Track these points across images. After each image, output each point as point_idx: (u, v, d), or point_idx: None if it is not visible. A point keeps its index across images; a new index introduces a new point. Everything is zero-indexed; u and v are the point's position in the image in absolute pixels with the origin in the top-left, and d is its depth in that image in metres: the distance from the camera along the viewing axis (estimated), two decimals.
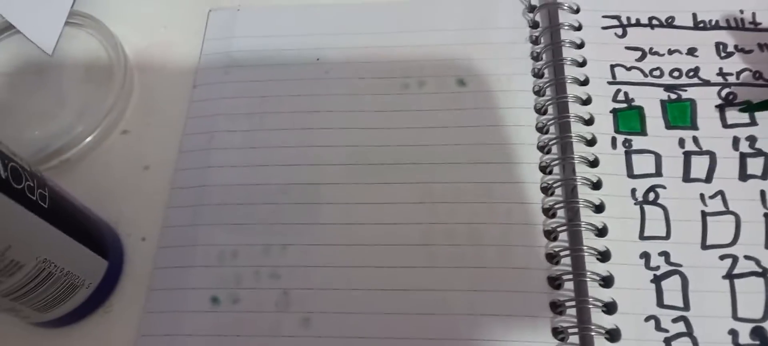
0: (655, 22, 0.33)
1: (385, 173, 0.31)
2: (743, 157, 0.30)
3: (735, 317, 0.26)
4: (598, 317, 0.27)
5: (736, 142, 0.30)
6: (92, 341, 0.29)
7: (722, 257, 0.28)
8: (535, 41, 0.34)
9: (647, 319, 0.27)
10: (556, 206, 0.29)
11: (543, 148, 0.31)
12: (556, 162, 0.30)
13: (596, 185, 0.29)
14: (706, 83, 0.31)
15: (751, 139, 0.30)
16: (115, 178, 0.33)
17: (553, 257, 0.28)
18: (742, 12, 0.33)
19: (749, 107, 0.30)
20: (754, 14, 0.33)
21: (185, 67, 0.36)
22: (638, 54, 0.32)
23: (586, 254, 0.28)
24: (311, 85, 0.34)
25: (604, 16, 0.33)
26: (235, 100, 0.34)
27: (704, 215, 0.28)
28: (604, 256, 0.28)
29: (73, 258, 0.27)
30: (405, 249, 0.29)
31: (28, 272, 0.24)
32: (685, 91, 0.31)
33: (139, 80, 0.36)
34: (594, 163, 0.30)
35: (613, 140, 0.30)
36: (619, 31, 0.33)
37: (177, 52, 0.36)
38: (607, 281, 0.27)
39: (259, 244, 0.30)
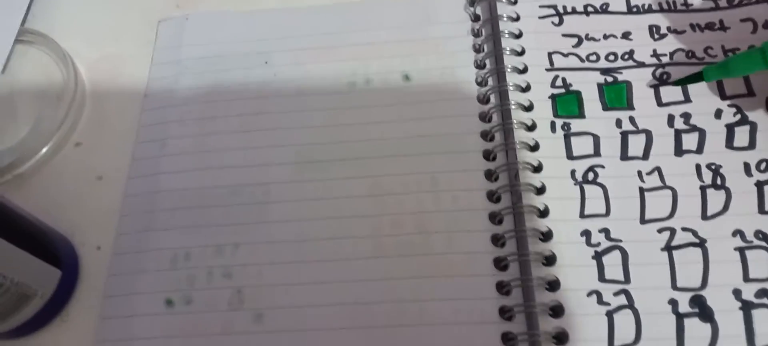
0: (590, 9, 0.34)
1: (333, 169, 0.32)
2: (678, 133, 0.30)
3: (674, 287, 0.27)
4: (542, 295, 0.27)
5: (671, 119, 0.31)
6: None
7: (660, 230, 0.28)
8: (476, 34, 0.34)
9: (589, 294, 0.27)
10: (500, 191, 0.30)
11: (486, 136, 0.31)
12: (500, 148, 0.31)
13: (537, 169, 0.30)
14: (641, 65, 0.32)
15: (686, 116, 0.31)
16: (69, 189, 0.34)
17: (498, 240, 0.29)
18: None
19: (681, 81, 0.31)
20: None
21: (137, 77, 0.36)
22: (575, 40, 0.33)
23: (529, 235, 0.28)
24: (260, 88, 0.34)
25: (541, 6, 0.34)
26: (186, 107, 0.34)
27: (642, 191, 0.29)
28: (546, 236, 0.29)
29: (24, 268, 0.27)
30: (354, 241, 0.30)
31: None
32: (621, 73, 0.32)
33: (91, 92, 0.36)
34: (535, 148, 0.31)
35: (553, 125, 0.31)
36: (556, 19, 0.34)
37: (128, 64, 0.37)
38: (549, 260, 0.28)
39: (211, 245, 0.31)
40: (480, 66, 0.33)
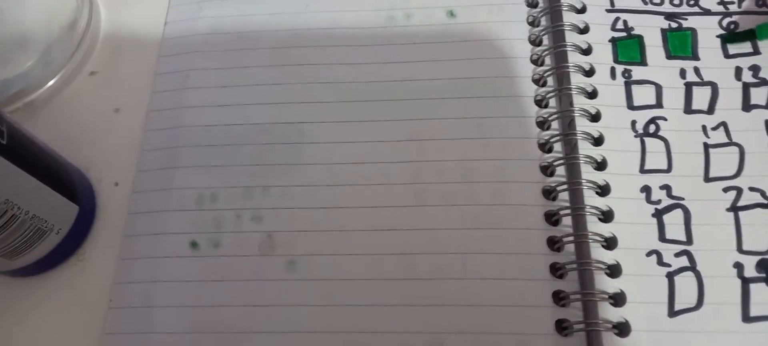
0: None
1: (370, 110, 0.29)
2: (746, 87, 0.28)
3: (740, 249, 0.25)
4: (597, 253, 0.26)
5: (738, 72, 0.29)
6: (66, 290, 0.28)
7: (726, 190, 0.26)
8: None
9: (649, 254, 0.26)
10: (553, 140, 0.28)
11: (538, 81, 0.29)
12: (553, 94, 0.29)
13: (595, 117, 0.28)
14: (707, 13, 0.30)
15: (754, 69, 0.29)
16: (84, 121, 0.31)
17: (549, 193, 0.27)
18: None
19: (730, 37, 0.29)
20: None
21: (157, 2, 0.33)
22: None
23: (584, 188, 0.26)
24: (291, 20, 0.32)
25: None
26: (211, 37, 0.32)
27: (707, 147, 0.27)
28: (603, 190, 0.27)
29: (40, 201, 0.25)
30: (393, 188, 0.28)
31: None
32: (686, 20, 0.30)
33: (106, 18, 0.34)
34: (592, 95, 0.28)
35: (613, 70, 0.29)
36: None
37: None
38: (606, 216, 0.26)
39: (239, 186, 0.28)
40: (532, 4, 0.31)
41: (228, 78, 0.31)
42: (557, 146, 0.28)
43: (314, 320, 0.26)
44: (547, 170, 0.27)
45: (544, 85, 0.29)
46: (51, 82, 0.31)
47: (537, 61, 0.30)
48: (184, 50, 0.32)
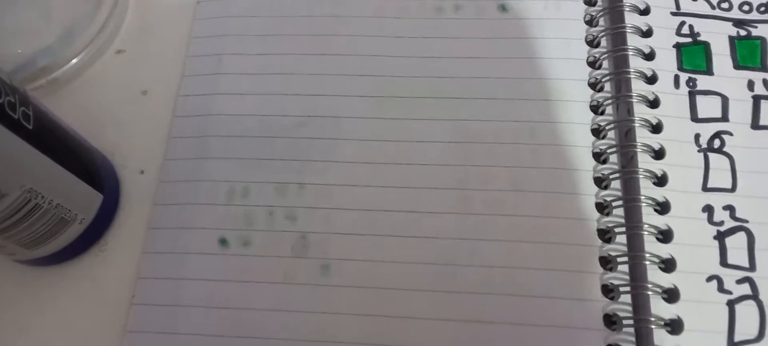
0: None
1: (414, 108, 0.28)
2: None
3: None
4: (654, 275, 0.24)
5: None
6: (87, 281, 0.26)
7: None
8: None
9: (709, 279, 0.24)
10: (609, 151, 0.26)
11: (595, 85, 0.27)
12: (610, 101, 0.27)
13: (656, 128, 0.26)
14: None
15: None
16: (109, 102, 0.30)
17: (603, 208, 0.25)
18: None
19: None
20: None
21: None
22: None
23: (642, 204, 0.25)
24: (332, 6, 0.30)
25: None
26: (247, 20, 0.30)
27: None
28: (662, 208, 0.25)
29: (64, 189, 0.23)
30: (436, 193, 0.26)
31: (12, 202, 0.21)
32: (756, 28, 0.28)
33: None
34: (654, 104, 0.27)
35: (676, 79, 0.27)
36: None
37: None
38: (665, 236, 0.25)
39: (273, 182, 0.27)
40: (590, 2, 0.29)
41: (263, 65, 0.29)
42: (613, 158, 0.26)
43: (348, 329, 0.24)
44: (602, 183, 0.26)
45: (601, 90, 0.27)
46: (75, 60, 0.30)
47: (594, 64, 0.28)
48: (217, 33, 0.30)
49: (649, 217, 0.25)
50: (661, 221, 0.25)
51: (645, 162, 0.26)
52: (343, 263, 0.25)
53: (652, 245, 0.24)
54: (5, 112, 0.20)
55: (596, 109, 0.27)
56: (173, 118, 0.29)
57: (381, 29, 0.29)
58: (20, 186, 0.21)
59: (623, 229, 0.25)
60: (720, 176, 0.25)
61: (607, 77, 0.27)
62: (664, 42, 0.28)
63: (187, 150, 0.28)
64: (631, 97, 0.26)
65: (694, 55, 0.27)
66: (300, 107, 0.28)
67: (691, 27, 0.28)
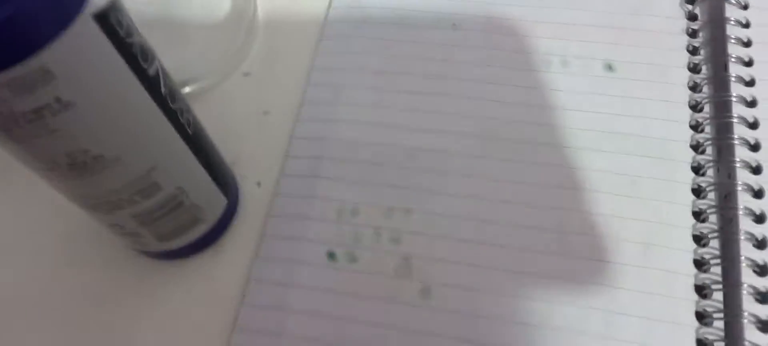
0: None
1: (520, 151, 0.29)
2: None
3: None
4: (752, 335, 0.25)
5: None
6: (201, 279, 0.28)
7: None
8: (692, 34, 0.31)
9: None
10: (709, 211, 0.27)
11: (696, 147, 0.28)
12: (711, 164, 0.28)
13: (758, 193, 0.27)
14: None
15: None
16: (234, 119, 0.32)
17: (701, 265, 0.26)
18: None
19: None
20: None
21: (313, 16, 0.35)
22: None
23: (742, 265, 0.25)
24: (445, 51, 0.32)
25: None
26: (365, 57, 0.33)
27: None
28: (762, 270, 0.26)
29: (203, 191, 0.26)
30: (535, 232, 0.27)
31: (164, 197, 0.24)
32: None
33: (265, 22, 0.35)
34: (756, 170, 0.27)
35: None
36: None
37: (305, 1, 0.35)
38: (763, 297, 0.25)
39: (381, 205, 0.29)
40: (694, 70, 0.30)
41: (378, 99, 0.31)
42: (712, 218, 0.27)
43: None
44: (701, 241, 0.27)
45: (702, 152, 0.28)
46: (207, 78, 0.33)
47: (696, 127, 0.29)
48: (338, 65, 0.32)
49: (749, 277, 0.25)
50: (761, 283, 0.25)
51: (746, 225, 0.26)
52: (444, 288, 0.27)
53: (750, 305, 0.25)
54: (177, 117, 0.22)
55: (697, 170, 0.28)
56: (291, 139, 0.31)
57: (490, 76, 0.31)
58: (174, 184, 0.24)
59: (720, 286, 0.25)
60: None
61: (709, 142, 0.28)
62: None
63: (302, 169, 0.30)
64: (734, 161, 0.27)
65: None
66: (410, 140, 0.30)
67: None
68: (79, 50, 0.16)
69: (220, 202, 0.28)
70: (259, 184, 0.31)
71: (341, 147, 0.30)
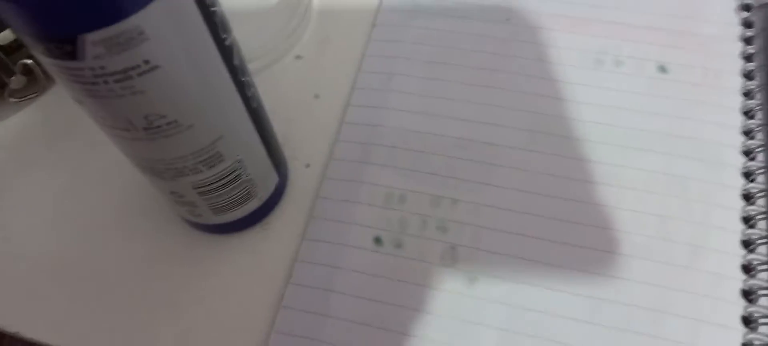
0: None
1: (569, 147, 0.29)
2: None
3: None
4: None
5: None
6: (248, 255, 0.29)
7: None
8: (747, 41, 0.31)
9: None
10: (758, 217, 0.27)
11: (748, 154, 0.28)
12: (762, 171, 0.28)
13: None
14: None
15: None
16: (285, 100, 0.33)
17: (749, 270, 0.26)
18: None
19: None
20: None
21: (366, 3, 0.35)
22: None
23: None
24: (497, 45, 0.33)
25: None
26: (418, 46, 0.33)
27: None
28: None
29: (259, 166, 0.26)
30: (582, 228, 0.28)
31: (224, 168, 0.24)
32: None
33: (318, 8, 0.35)
34: None
35: None
36: None
37: None
38: None
39: (429, 193, 0.29)
40: (748, 76, 0.30)
41: (429, 88, 0.32)
42: (762, 224, 0.27)
43: (488, 340, 0.26)
44: (749, 246, 0.27)
45: (753, 159, 0.28)
46: (260, 59, 0.33)
47: (748, 134, 0.29)
48: (390, 54, 0.33)
49: None
50: None
51: None
52: (490, 279, 0.27)
53: None
54: (244, 90, 0.23)
55: (748, 175, 0.28)
56: (342, 124, 0.31)
57: (541, 71, 0.31)
58: (235, 155, 0.24)
59: (767, 292, 0.25)
60: None
61: (761, 148, 0.28)
62: None
63: (352, 153, 0.30)
64: None
65: None
66: (459, 130, 0.30)
67: None
68: (171, 14, 0.16)
69: (273, 179, 0.28)
70: (307, 166, 0.31)
71: (391, 134, 0.31)
